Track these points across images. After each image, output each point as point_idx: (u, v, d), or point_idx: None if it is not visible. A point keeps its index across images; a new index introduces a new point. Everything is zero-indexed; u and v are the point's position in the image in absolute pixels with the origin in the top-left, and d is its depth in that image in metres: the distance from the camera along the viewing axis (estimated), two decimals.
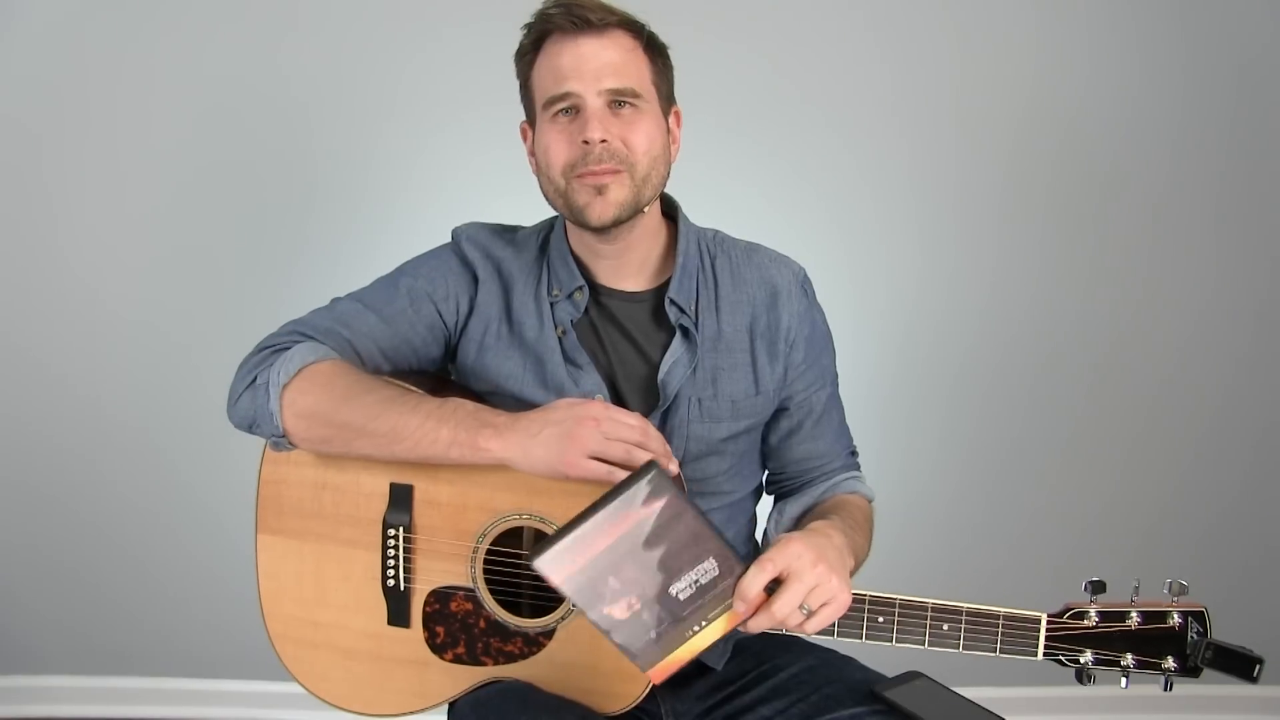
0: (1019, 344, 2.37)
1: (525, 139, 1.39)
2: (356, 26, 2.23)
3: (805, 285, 1.43)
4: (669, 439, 1.32)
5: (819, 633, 1.15)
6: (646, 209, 1.32)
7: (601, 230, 1.29)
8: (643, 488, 1.04)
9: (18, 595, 2.48)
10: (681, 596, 1.07)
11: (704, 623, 1.09)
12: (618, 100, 1.27)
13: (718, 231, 1.46)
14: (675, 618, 1.08)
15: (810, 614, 1.09)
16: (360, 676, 1.34)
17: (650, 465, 1.05)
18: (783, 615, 1.08)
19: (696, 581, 1.07)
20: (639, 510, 1.04)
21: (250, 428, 1.30)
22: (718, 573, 1.07)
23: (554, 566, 1.04)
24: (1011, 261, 2.34)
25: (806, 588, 1.08)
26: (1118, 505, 2.43)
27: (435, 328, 1.39)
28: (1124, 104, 2.27)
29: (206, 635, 2.47)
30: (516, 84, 1.37)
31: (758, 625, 1.09)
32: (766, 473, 1.51)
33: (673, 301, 1.36)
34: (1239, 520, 2.44)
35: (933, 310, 2.35)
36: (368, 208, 2.29)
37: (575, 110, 1.28)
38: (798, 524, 1.42)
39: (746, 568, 1.08)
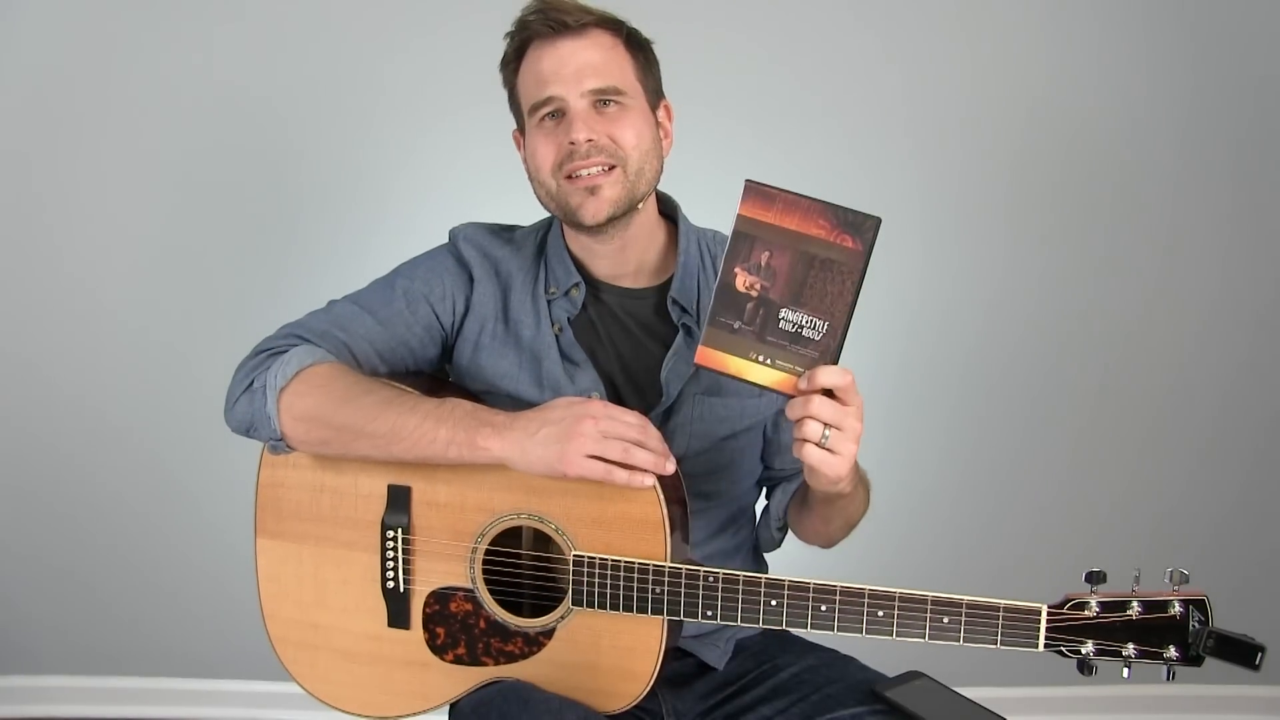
0: (1023, 345, 2.37)
1: (519, 147, 1.40)
2: (350, 26, 2.25)
3: None
4: (672, 437, 1.33)
5: (817, 629, 1.15)
6: (641, 205, 1.33)
7: (596, 229, 1.30)
8: (862, 222, 1.07)
9: (17, 596, 2.49)
10: (782, 324, 1.10)
11: (769, 362, 1.11)
12: (602, 99, 1.28)
13: (717, 231, 1.46)
14: (761, 334, 1.11)
15: (822, 443, 1.10)
16: (361, 678, 1.34)
17: (878, 220, 1.07)
18: (815, 413, 1.09)
19: (800, 327, 1.10)
20: (838, 231, 1.08)
21: (248, 431, 1.31)
22: (817, 338, 1.10)
23: (754, 195, 1.09)
24: (1016, 262, 2.34)
25: (844, 420, 1.10)
26: (1123, 504, 2.42)
27: (432, 329, 1.39)
28: (1130, 105, 2.27)
29: (206, 636, 2.47)
30: (501, 85, 1.37)
31: (792, 408, 1.11)
32: (766, 468, 1.50)
33: (675, 301, 1.36)
34: (1244, 520, 2.43)
35: (937, 311, 2.35)
36: (363, 209, 2.30)
37: (560, 113, 1.29)
38: (795, 497, 1.42)
39: (836, 361, 1.10)
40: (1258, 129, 2.28)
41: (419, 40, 2.24)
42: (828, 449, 1.11)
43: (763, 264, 1.09)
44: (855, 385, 1.11)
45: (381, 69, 2.26)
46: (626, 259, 1.38)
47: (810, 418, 1.09)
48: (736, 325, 1.11)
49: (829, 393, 1.10)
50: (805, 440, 1.10)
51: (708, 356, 1.12)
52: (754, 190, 1.09)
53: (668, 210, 1.44)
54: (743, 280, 1.10)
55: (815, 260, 1.08)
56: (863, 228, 1.07)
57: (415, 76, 2.26)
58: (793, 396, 1.11)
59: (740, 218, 1.09)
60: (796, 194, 1.08)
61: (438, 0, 2.23)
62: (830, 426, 1.09)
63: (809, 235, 1.08)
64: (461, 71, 2.18)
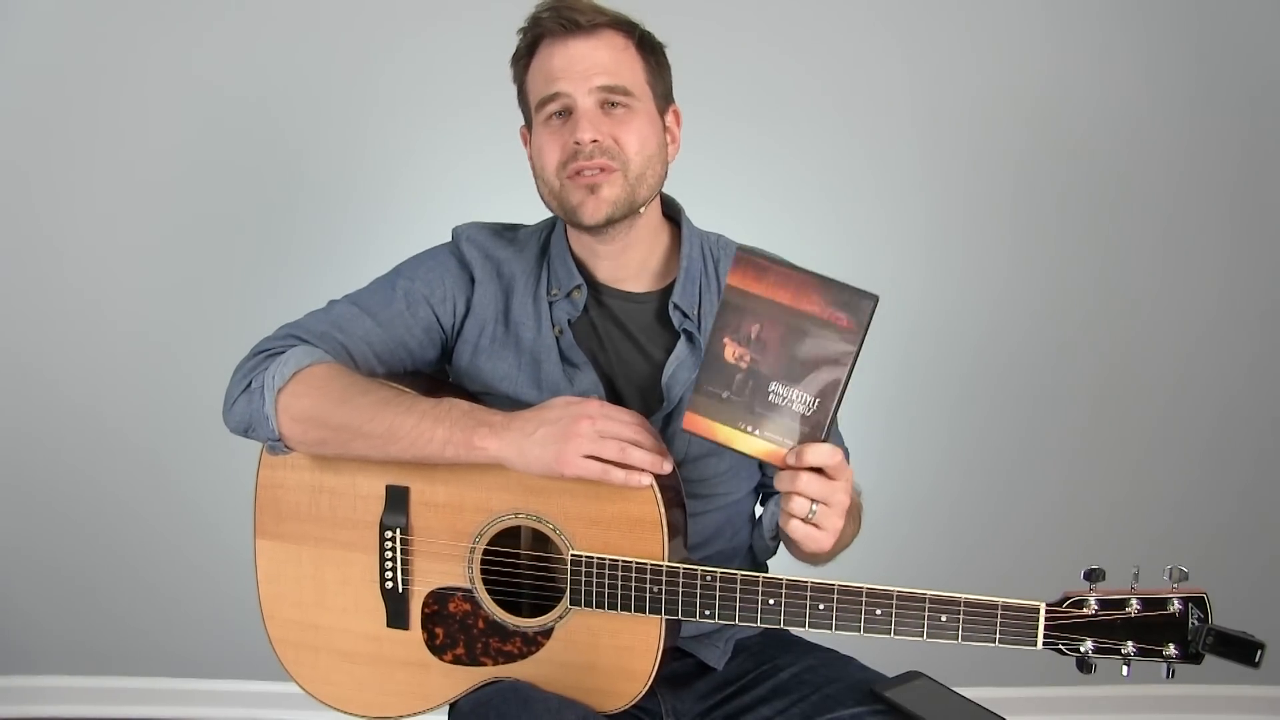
0: (1025, 344, 2.37)
1: (525, 143, 1.40)
2: (349, 26, 2.25)
3: None
4: (672, 441, 1.33)
5: (815, 628, 1.15)
6: (643, 209, 1.32)
7: (596, 229, 1.30)
8: (857, 302, 1.04)
9: (17, 596, 2.49)
10: (771, 397, 1.08)
11: (757, 432, 1.10)
12: (609, 100, 1.28)
13: (721, 235, 1.46)
14: (749, 405, 1.09)
15: (809, 519, 1.10)
16: (361, 679, 1.34)
17: (875, 300, 1.04)
18: (803, 489, 1.08)
19: (790, 402, 1.08)
20: (832, 310, 1.05)
21: (246, 432, 1.31)
22: (807, 414, 1.08)
23: (746, 267, 1.06)
24: (1019, 262, 2.34)
25: (832, 495, 1.09)
26: (1124, 505, 2.41)
27: (431, 330, 1.39)
28: (1134, 106, 2.27)
29: (205, 636, 2.48)
30: (511, 80, 1.37)
31: (780, 481, 1.10)
32: (761, 475, 1.50)
33: (676, 306, 1.36)
34: (1245, 521, 2.43)
35: (939, 310, 2.34)
36: (363, 209, 2.30)
37: (567, 111, 1.29)
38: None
39: (827, 438, 1.09)
40: (1261, 130, 2.27)
41: (418, 40, 2.24)
42: (813, 524, 1.11)
43: (752, 336, 1.07)
44: (845, 462, 1.10)
45: (381, 69, 2.26)
46: (629, 261, 1.37)
47: (797, 494, 1.09)
48: (725, 395, 1.09)
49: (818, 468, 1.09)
50: (791, 515, 1.10)
51: (695, 423, 1.11)
52: (745, 261, 1.06)
53: (671, 213, 1.43)
54: (732, 351, 1.08)
55: (807, 337, 1.06)
56: (859, 307, 1.04)
57: (415, 76, 2.26)
58: (780, 468, 1.11)
59: (730, 288, 1.07)
60: (790, 267, 1.06)
61: (436, 0, 2.23)
62: (817, 502, 1.09)
63: (802, 311, 1.05)
64: (461, 71, 2.20)
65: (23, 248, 2.33)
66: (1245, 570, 2.38)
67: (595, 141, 1.26)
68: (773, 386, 1.08)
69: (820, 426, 1.08)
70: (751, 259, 1.06)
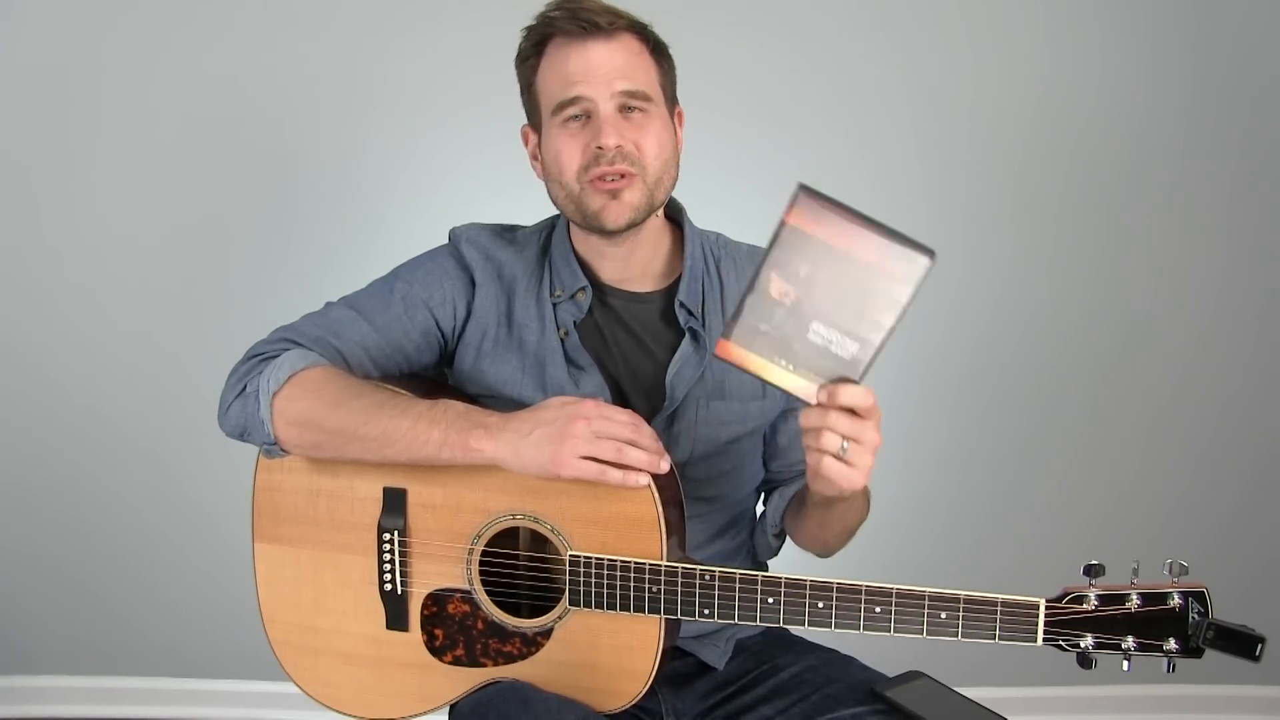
0: (1025, 344, 2.37)
1: (526, 142, 1.39)
2: (349, 26, 2.24)
3: None
4: (676, 441, 1.33)
5: (814, 626, 1.15)
6: (658, 211, 1.33)
7: (615, 233, 1.29)
8: (914, 255, 1.00)
9: (17, 596, 2.50)
10: (810, 336, 1.04)
11: (792, 367, 1.06)
12: (629, 105, 1.27)
13: (720, 234, 1.46)
14: (787, 341, 1.05)
15: (841, 455, 1.07)
16: (362, 681, 1.34)
17: (932, 255, 1.00)
18: (834, 425, 1.05)
19: (830, 343, 1.04)
20: (888, 260, 1.01)
21: (242, 436, 1.30)
22: (846, 357, 1.05)
23: (805, 207, 1.00)
24: (1019, 262, 2.34)
25: (864, 433, 1.07)
26: (1124, 504, 2.41)
27: (429, 335, 1.38)
28: (1133, 108, 2.26)
29: (205, 636, 2.48)
30: (510, 80, 1.36)
31: (807, 416, 1.08)
32: (765, 470, 1.50)
33: (683, 304, 1.35)
34: (1247, 519, 2.43)
35: (939, 310, 2.33)
36: (362, 209, 2.30)
37: (586, 115, 1.28)
38: (792, 502, 1.41)
39: (860, 381, 1.06)
40: (1261, 130, 2.27)
41: (418, 40, 2.23)
42: (846, 462, 1.08)
43: (801, 275, 1.02)
44: (876, 402, 1.07)
45: (381, 69, 2.26)
46: (634, 262, 1.37)
47: (828, 429, 1.06)
48: (764, 327, 1.05)
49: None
50: (823, 452, 1.07)
51: (728, 350, 1.07)
52: (807, 200, 0.99)
53: (673, 213, 1.43)
54: (778, 287, 1.03)
55: (857, 284, 1.02)
56: (914, 262, 1.00)
57: (415, 77, 2.25)
58: (810, 405, 1.07)
59: (786, 225, 1.01)
60: (851, 213, 1.00)
61: (437, 0, 2.23)
62: (849, 439, 1.06)
63: (856, 258, 1.01)
64: (462, 71, 2.19)
65: (23, 246, 2.33)
66: (1245, 565, 2.38)
67: (618, 147, 1.25)
68: (814, 326, 1.04)
69: (857, 369, 1.05)
70: (813, 199, 0.99)
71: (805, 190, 1.00)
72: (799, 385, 1.07)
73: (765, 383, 1.08)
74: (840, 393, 1.05)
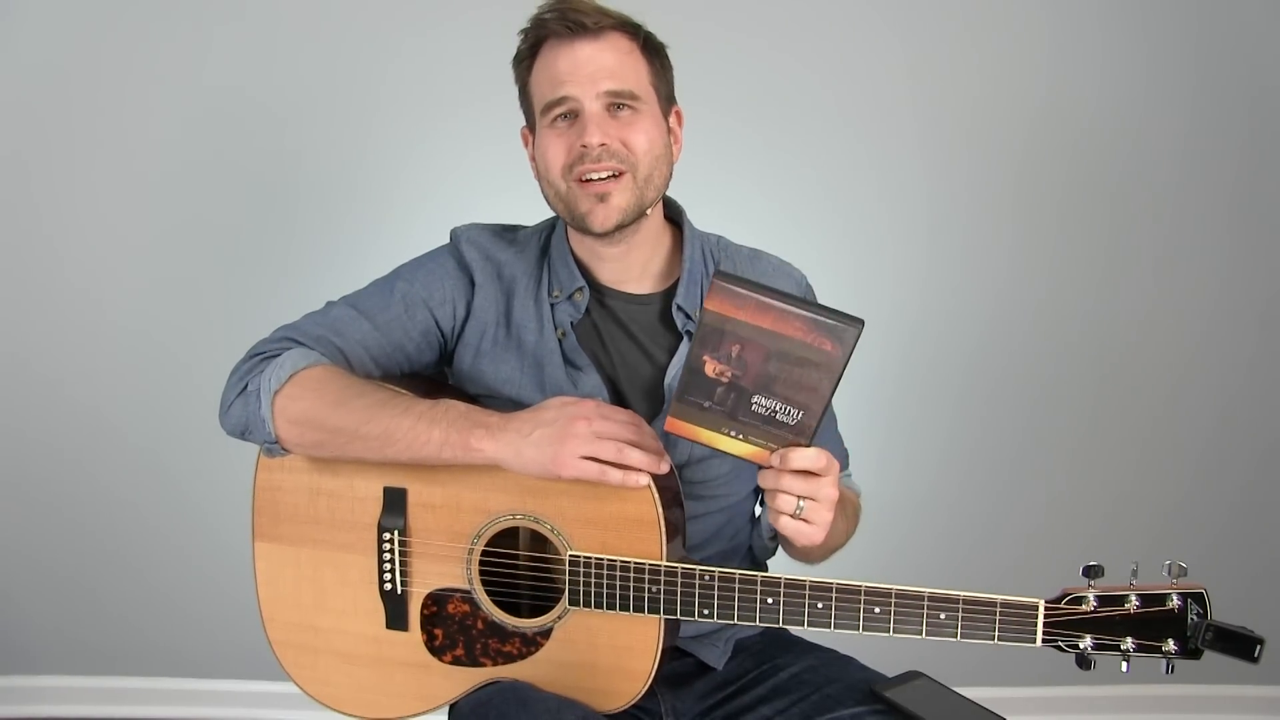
0: (1025, 344, 2.37)
1: (526, 144, 1.39)
2: (349, 26, 2.24)
3: (807, 293, 1.44)
4: (674, 443, 1.32)
5: (814, 626, 1.15)
6: (649, 211, 1.32)
7: (604, 235, 1.30)
8: (842, 330, 1.03)
9: (17, 596, 2.50)
10: (754, 407, 1.09)
11: (742, 437, 1.11)
12: (616, 103, 1.27)
13: (721, 237, 1.45)
14: (732, 414, 1.09)
15: (797, 514, 1.11)
16: (361, 680, 1.34)
17: (860, 325, 1.03)
18: (787, 487, 1.10)
19: (774, 412, 1.08)
20: (816, 335, 1.04)
21: (243, 434, 1.31)
22: (791, 423, 1.08)
23: (724, 294, 1.04)
24: (1019, 262, 2.34)
25: (818, 491, 1.11)
26: (1124, 505, 2.41)
27: (429, 334, 1.38)
28: (1134, 109, 2.26)
29: (205, 636, 2.48)
30: (510, 80, 1.37)
31: (764, 478, 1.12)
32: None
33: (680, 308, 1.35)
34: (1246, 520, 2.42)
35: (940, 310, 2.34)
36: (363, 209, 2.30)
37: (574, 115, 1.28)
38: None
39: (809, 445, 1.09)
40: (1261, 130, 2.27)
41: (418, 41, 2.23)
42: (802, 519, 1.12)
43: (733, 355, 1.06)
44: (830, 461, 1.11)
45: (382, 69, 2.26)
46: (631, 263, 1.37)
47: (782, 492, 1.10)
48: (706, 405, 1.10)
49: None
50: (780, 512, 1.12)
51: (677, 427, 1.12)
52: (723, 290, 1.03)
53: (673, 215, 1.43)
54: (712, 368, 1.07)
55: (790, 358, 1.05)
56: (844, 335, 1.03)
57: (415, 77, 2.25)
58: (763, 467, 1.12)
59: (708, 312, 1.04)
60: (770, 297, 1.03)
61: (437, 1, 2.23)
62: (804, 498, 1.11)
63: (784, 335, 1.04)
64: (462, 71, 2.19)
65: (23, 247, 2.33)
66: (1245, 566, 2.38)
67: (603, 145, 1.25)
68: (756, 399, 1.08)
69: (806, 432, 1.09)
70: (729, 288, 1.03)
71: (721, 276, 1.04)
72: (751, 452, 1.12)
73: (720, 452, 1.13)
74: (792, 457, 1.10)
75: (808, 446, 1.10)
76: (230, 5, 2.22)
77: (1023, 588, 1.13)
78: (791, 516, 1.11)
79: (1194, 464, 2.41)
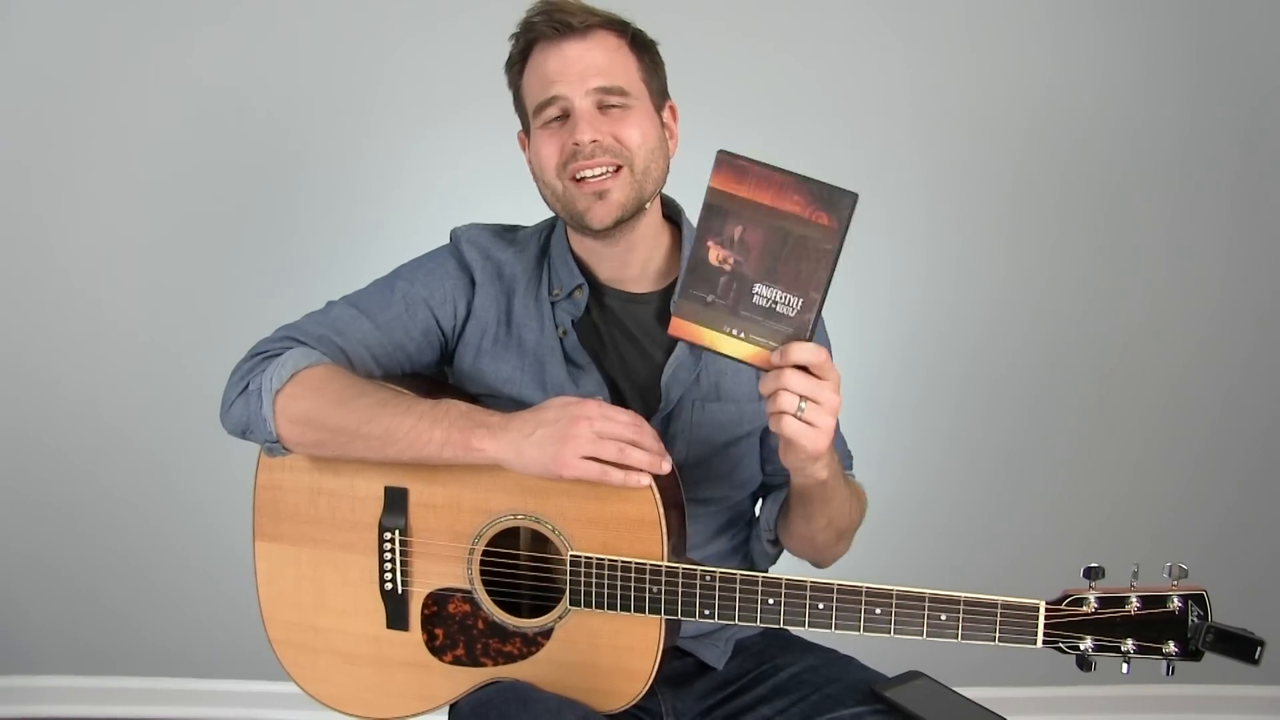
0: (1025, 344, 2.37)
1: (523, 148, 1.40)
2: (348, 26, 2.24)
3: None
4: (672, 443, 1.33)
5: (814, 627, 1.15)
6: (648, 206, 1.33)
7: (603, 233, 1.30)
8: (838, 198, 1.04)
9: (17, 596, 2.50)
10: (755, 299, 1.08)
11: (742, 335, 1.10)
12: (606, 100, 1.28)
13: None
14: (734, 307, 1.09)
15: (799, 415, 1.08)
16: (362, 680, 1.34)
17: (854, 196, 1.04)
18: (788, 384, 1.07)
19: (775, 303, 1.08)
20: (813, 208, 1.05)
21: (244, 434, 1.31)
22: (791, 315, 1.08)
23: (727, 168, 1.06)
24: (1019, 261, 2.34)
25: (820, 392, 1.08)
26: (1124, 505, 2.42)
27: (431, 333, 1.38)
28: (1134, 107, 2.26)
29: (205, 636, 2.48)
30: (507, 86, 1.37)
31: (764, 383, 1.09)
32: (763, 475, 1.50)
33: None
34: (1246, 521, 2.43)
35: (940, 310, 2.34)
36: (363, 210, 2.30)
37: (565, 114, 1.29)
38: (783, 507, 1.41)
39: (811, 338, 1.08)
40: (1261, 130, 2.27)
41: (418, 41, 2.24)
42: (805, 421, 1.09)
43: (735, 238, 1.07)
44: (830, 360, 1.09)
45: (381, 69, 2.26)
46: (630, 262, 1.37)
47: (783, 389, 1.08)
48: (709, 298, 1.09)
49: (804, 368, 1.08)
50: (781, 413, 1.08)
51: (680, 327, 1.11)
52: (726, 162, 1.06)
53: (671, 213, 1.43)
54: (715, 254, 1.08)
55: (789, 236, 1.06)
56: (839, 204, 1.04)
57: (415, 77, 2.25)
58: (766, 370, 1.10)
59: (711, 190, 1.07)
60: (771, 168, 1.06)
61: (436, 1, 2.23)
62: (806, 399, 1.08)
63: (783, 211, 1.06)
64: (461, 72, 2.19)
65: (23, 247, 2.33)
66: (1245, 568, 2.38)
67: (595, 142, 1.26)
68: (757, 288, 1.08)
69: (805, 327, 1.08)
70: (733, 160, 1.06)
71: (725, 154, 1.06)
72: (752, 353, 1.10)
73: (720, 355, 1.11)
74: (792, 350, 1.07)
75: (805, 340, 1.08)
76: (230, 6, 2.23)
77: (1023, 589, 1.13)
78: (794, 417, 1.08)
79: (1194, 465, 2.41)
